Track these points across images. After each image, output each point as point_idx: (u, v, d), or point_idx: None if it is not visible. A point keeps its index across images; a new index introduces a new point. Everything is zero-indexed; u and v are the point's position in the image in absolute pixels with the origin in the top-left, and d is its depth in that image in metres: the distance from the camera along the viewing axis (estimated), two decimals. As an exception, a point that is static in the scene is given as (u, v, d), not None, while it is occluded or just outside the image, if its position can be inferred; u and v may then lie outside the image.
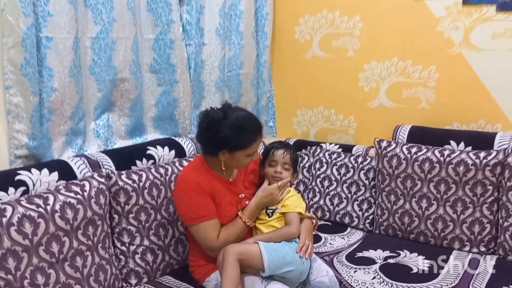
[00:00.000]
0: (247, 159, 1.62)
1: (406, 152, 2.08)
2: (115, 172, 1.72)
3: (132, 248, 1.71)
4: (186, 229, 1.76)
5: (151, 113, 2.10)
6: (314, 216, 1.79)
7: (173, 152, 2.01)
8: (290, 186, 1.77)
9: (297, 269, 1.60)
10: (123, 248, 1.71)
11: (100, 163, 1.76)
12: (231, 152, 1.57)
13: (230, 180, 1.71)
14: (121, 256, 1.71)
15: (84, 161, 1.71)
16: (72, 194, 1.51)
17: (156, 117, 2.12)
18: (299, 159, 1.92)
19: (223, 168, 1.64)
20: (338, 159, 2.31)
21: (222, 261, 1.53)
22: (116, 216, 1.69)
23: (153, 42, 2.02)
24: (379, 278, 1.74)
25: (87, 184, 1.58)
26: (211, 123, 1.54)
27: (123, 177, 1.70)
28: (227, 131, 1.53)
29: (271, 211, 1.71)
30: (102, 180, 1.64)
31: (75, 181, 1.58)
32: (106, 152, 1.84)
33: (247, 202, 1.70)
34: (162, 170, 1.83)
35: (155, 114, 2.12)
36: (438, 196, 2.01)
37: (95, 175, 1.64)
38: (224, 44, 2.28)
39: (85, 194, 1.54)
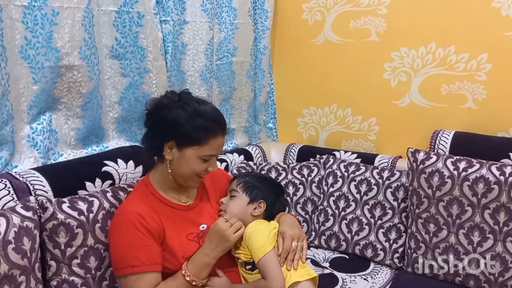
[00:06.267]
0: (201, 165, 1.30)
1: (451, 167, 1.72)
2: (53, 200, 1.32)
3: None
4: None
5: (113, 112, 1.78)
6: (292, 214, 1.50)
7: (140, 168, 1.61)
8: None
9: None
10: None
11: (31, 187, 1.34)
12: (181, 147, 1.28)
13: (187, 203, 1.38)
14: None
15: (6, 184, 1.30)
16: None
17: (120, 118, 1.80)
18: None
19: (172, 179, 1.33)
20: (357, 173, 1.99)
21: None
22: (53, 263, 1.30)
23: (115, 16, 1.70)
24: None
25: (1, 222, 1.14)
26: (160, 105, 1.31)
27: (65, 206, 1.31)
28: (180, 113, 1.28)
29: (250, 265, 1.35)
30: (29, 214, 1.22)
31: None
32: (41, 169, 1.42)
33: None
34: (122, 194, 1.46)
35: (118, 114, 1.79)
36: (496, 228, 1.65)
37: (18, 207, 1.21)
38: (212, 23, 2.03)
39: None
